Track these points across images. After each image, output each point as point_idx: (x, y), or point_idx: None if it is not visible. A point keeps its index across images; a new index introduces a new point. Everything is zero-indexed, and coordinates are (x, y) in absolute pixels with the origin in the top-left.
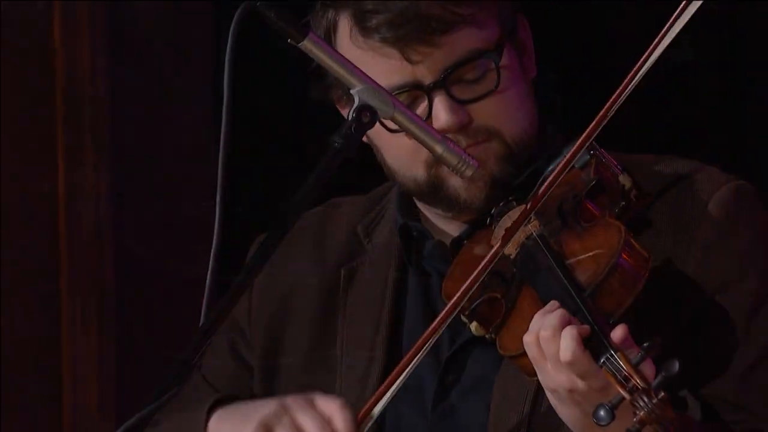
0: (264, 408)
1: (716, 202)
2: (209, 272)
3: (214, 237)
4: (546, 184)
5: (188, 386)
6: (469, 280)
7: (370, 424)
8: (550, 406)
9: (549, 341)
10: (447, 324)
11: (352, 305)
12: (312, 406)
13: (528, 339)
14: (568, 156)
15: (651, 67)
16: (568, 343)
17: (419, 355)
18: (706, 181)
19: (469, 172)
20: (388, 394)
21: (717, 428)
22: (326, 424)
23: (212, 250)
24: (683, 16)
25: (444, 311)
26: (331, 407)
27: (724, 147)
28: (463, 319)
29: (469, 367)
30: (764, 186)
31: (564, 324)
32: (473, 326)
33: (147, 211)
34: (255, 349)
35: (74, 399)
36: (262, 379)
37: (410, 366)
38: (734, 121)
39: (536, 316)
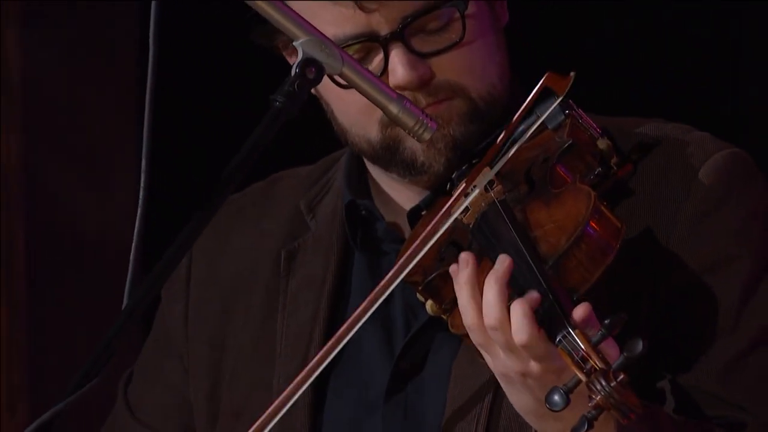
0: None
1: (707, 171)
2: (133, 247)
3: (139, 209)
4: (502, 136)
5: (115, 423)
6: (417, 242)
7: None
8: None
9: (497, 331)
10: (390, 290)
11: (293, 291)
12: None
13: (471, 326)
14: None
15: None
16: (520, 322)
17: (358, 325)
18: (696, 149)
19: (426, 135)
20: (315, 374)
21: (690, 424)
22: None
23: (137, 223)
24: None
25: (390, 273)
26: None
27: (718, 111)
28: (419, 297)
29: (426, 354)
30: (761, 155)
31: (504, 296)
32: (428, 305)
33: (62, 180)
34: (195, 359)
35: None
36: (207, 392)
37: (346, 338)
38: (729, 85)
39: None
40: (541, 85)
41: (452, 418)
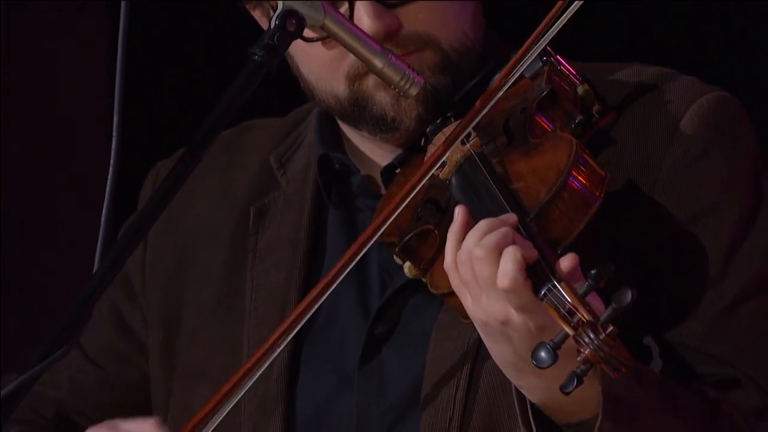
0: None
1: (692, 116)
2: (105, 208)
3: (111, 168)
4: (486, 93)
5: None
6: (393, 203)
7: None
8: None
9: (483, 261)
10: (366, 249)
11: (263, 250)
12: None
13: (460, 256)
14: (512, 61)
15: None
16: (508, 266)
17: (331, 287)
18: (680, 93)
19: (413, 91)
20: (288, 339)
21: (677, 384)
22: None
23: (108, 185)
24: None
25: (366, 232)
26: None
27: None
28: (397, 260)
29: (403, 318)
30: (751, 98)
31: (506, 244)
32: (407, 267)
33: (33, 142)
34: (151, 306)
35: None
36: (162, 342)
37: (319, 301)
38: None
39: (469, 233)
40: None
41: (431, 382)
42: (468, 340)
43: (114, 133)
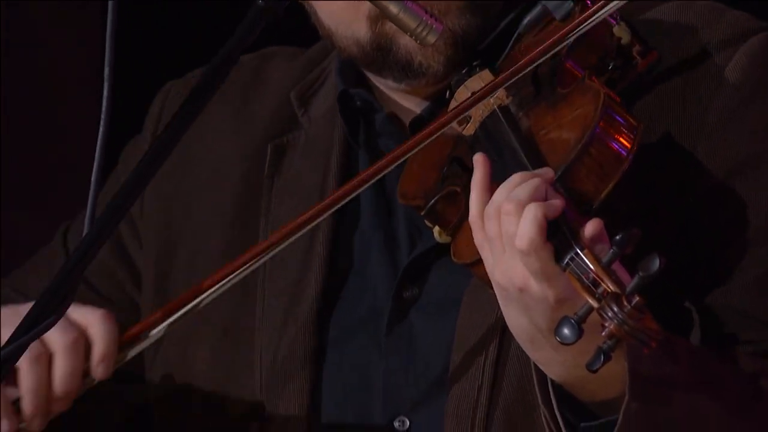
0: None
1: (740, 58)
2: (95, 164)
3: (102, 118)
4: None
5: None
6: (405, 146)
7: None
8: None
9: (511, 217)
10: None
11: (280, 193)
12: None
13: (488, 210)
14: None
15: None
16: (526, 226)
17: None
18: (728, 31)
19: (431, 38)
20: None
21: (711, 354)
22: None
23: (99, 137)
24: None
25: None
26: (89, 317)
27: None
28: (427, 223)
29: (432, 281)
30: None
31: (538, 198)
32: (436, 231)
33: (23, 97)
34: (148, 242)
35: None
36: (155, 285)
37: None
38: None
39: (501, 186)
40: None
41: (461, 349)
42: (499, 307)
43: (105, 79)
